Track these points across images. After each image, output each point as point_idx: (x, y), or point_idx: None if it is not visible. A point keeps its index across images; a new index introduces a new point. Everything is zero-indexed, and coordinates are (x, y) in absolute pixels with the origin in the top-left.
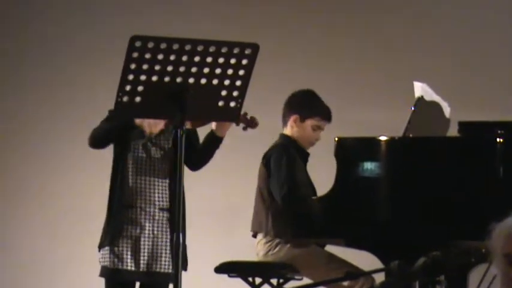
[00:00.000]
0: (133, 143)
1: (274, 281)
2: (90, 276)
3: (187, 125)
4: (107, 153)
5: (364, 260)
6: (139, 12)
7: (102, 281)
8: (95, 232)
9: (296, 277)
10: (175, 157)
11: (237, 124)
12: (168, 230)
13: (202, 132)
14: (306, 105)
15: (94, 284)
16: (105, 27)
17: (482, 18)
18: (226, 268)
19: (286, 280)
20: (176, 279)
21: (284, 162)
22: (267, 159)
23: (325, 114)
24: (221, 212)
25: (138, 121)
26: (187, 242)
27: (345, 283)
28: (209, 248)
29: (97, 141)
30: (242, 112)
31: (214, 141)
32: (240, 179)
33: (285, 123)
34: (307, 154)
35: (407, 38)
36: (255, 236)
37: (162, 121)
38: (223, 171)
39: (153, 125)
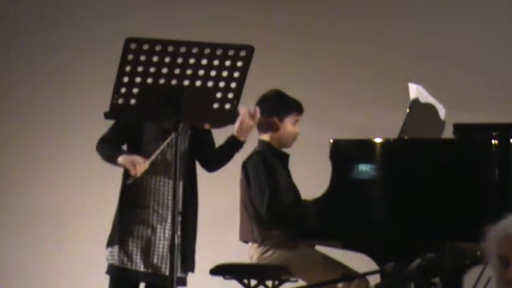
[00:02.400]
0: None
1: (269, 283)
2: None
3: (206, 126)
4: None
5: (359, 261)
6: (134, 15)
7: (105, 278)
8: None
9: (291, 279)
10: (189, 158)
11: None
12: (180, 233)
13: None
14: (279, 105)
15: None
16: (100, 28)
17: (478, 20)
18: (222, 270)
19: (282, 282)
20: (171, 281)
21: (262, 172)
22: (245, 169)
23: (299, 108)
24: (216, 214)
25: (121, 161)
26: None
27: (340, 285)
28: (204, 250)
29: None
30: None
31: (235, 145)
32: (235, 181)
33: (261, 128)
34: (287, 156)
35: (402, 39)
36: (246, 241)
37: (145, 162)
38: (218, 172)
39: (137, 166)
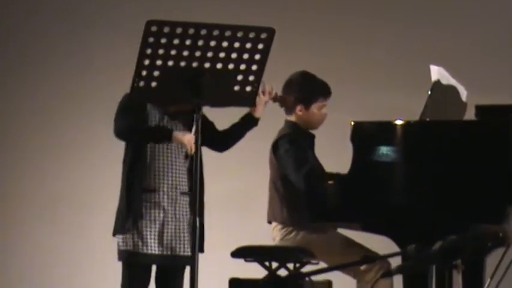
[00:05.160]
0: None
1: (290, 265)
2: (108, 261)
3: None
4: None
5: (380, 244)
6: None
7: (118, 265)
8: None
9: (312, 261)
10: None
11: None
12: (188, 213)
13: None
14: (306, 92)
15: (113, 268)
16: (120, 10)
17: (499, 1)
18: (243, 253)
19: (303, 264)
20: (193, 262)
21: (295, 150)
22: (276, 149)
23: (326, 92)
24: (238, 197)
25: (178, 139)
26: (205, 226)
27: (361, 267)
28: (225, 233)
29: (123, 138)
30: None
31: (251, 122)
32: (257, 163)
33: (288, 112)
34: (313, 136)
35: (424, 21)
36: (270, 222)
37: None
38: (241, 155)
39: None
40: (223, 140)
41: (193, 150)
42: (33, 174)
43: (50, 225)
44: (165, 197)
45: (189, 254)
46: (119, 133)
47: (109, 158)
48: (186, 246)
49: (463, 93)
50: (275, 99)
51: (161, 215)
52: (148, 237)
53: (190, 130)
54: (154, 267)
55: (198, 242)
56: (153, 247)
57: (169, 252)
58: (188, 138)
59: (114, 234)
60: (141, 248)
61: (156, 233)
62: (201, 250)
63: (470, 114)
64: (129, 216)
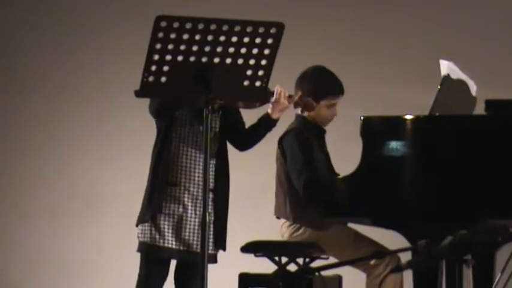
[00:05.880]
0: (179, 124)
1: (300, 261)
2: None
3: (240, 105)
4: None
5: (390, 239)
6: None
7: (137, 256)
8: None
9: (322, 256)
10: (221, 138)
11: (295, 107)
12: (212, 211)
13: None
14: (317, 87)
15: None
16: (130, 7)
17: None
18: (253, 248)
19: (313, 259)
20: (203, 257)
21: (298, 149)
22: (281, 144)
23: (337, 91)
24: (248, 192)
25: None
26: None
27: (371, 262)
28: (235, 228)
29: (161, 114)
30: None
31: (268, 123)
32: (268, 158)
33: (296, 106)
34: (324, 131)
35: (434, 15)
36: (279, 217)
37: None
38: (251, 149)
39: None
40: (244, 140)
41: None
42: (38, 170)
43: (59, 222)
44: (186, 192)
45: (209, 251)
46: (155, 115)
47: (119, 152)
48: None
49: (473, 88)
50: (296, 103)
51: (180, 209)
52: (166, 230)
53: (216, 126)
54: (174, 263)
55: (217, 240)
56: (170, 241)
57: (185, 248)
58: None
59: (136, 225)
60: (157, 240)
61: (174, 227)
62: (223, 248)
63: (480, 109)
64: (149, 208)
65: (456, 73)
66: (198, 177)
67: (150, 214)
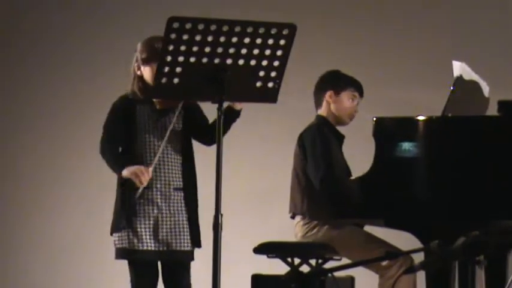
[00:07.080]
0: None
1: (313, 262)
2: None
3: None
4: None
5: (403, 239)
6: None
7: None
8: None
9: (335, 257)
10: (185, 137)
11: None
12: (184, 209)
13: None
14: (337, 80)
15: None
16: (141, 8)
17: None
18: (265, 249)
19: (325, 260)
20: (215, 258)
21: (319, 144)
22: (301, 140)
23: (358, 86)
24: (260, 193)
25: (126, 175)
26: (225, 223)
27: (384, 263)
28: (248, 229)
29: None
30: None
31: (232, 114)
32: (279, 159)
33: (319, 104)
34: (343, 136)
35: (447, 16)
36: (293, 217)
37: (148, 170)
38: (262, 151)
39: (141, 177)
40: (210, 135)
41: (143, 183)
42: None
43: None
44: (158, 193)
45: (188, 248)
46: (101, 155)
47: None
48: (183, 241)
49: (486, 89)
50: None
51: (155, 211)
52: (143, 233)
53: (179, 125)
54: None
55: (192, 237)
56: (148, 243)
57: (165, 248)
58: (134, 172)
59: (111, 234)
60: (136, 244)
61: (151, 229)
62: (198, 245)
63: (492, 110)
64: (123, 214)
65: (469, 74)
66: (168, 177)
67: (125, 220)
